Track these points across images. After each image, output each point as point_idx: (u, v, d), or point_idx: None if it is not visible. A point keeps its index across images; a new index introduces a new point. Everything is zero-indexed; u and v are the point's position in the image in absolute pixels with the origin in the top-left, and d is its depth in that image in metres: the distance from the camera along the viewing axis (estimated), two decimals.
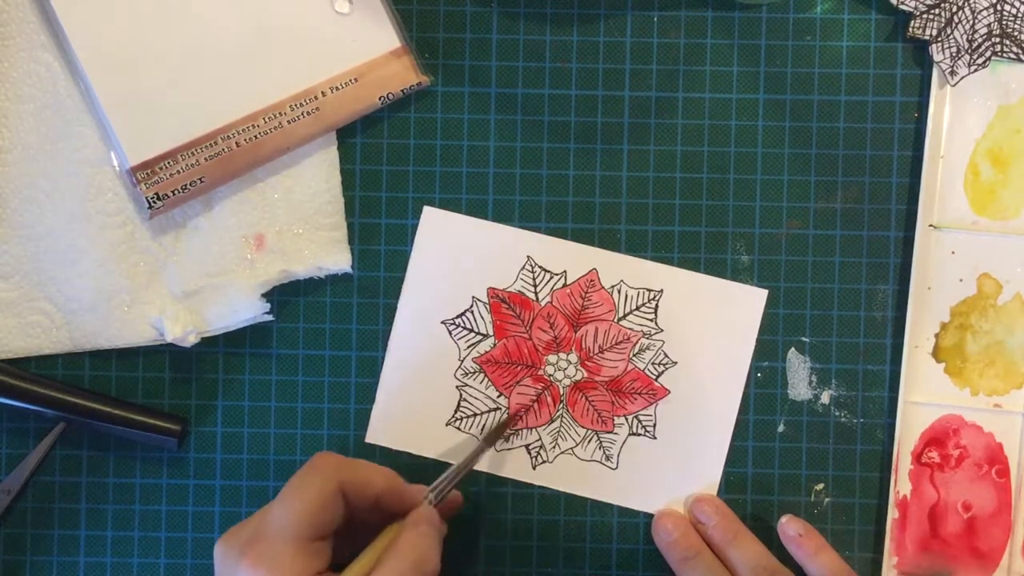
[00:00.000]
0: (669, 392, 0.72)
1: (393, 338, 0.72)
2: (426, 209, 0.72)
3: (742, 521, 0.71)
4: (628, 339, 0.72)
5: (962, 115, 0.72)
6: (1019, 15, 0.70)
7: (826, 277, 0.72)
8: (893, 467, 0.72)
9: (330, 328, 0.72)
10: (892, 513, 0.72)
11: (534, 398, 0.72)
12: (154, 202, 0.69)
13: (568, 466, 0.72)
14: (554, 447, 0.72)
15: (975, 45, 0.70)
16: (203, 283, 0.71)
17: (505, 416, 0.72)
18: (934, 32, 0.71)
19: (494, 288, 0.72)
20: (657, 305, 0.72)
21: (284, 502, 0.60)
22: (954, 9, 0.71)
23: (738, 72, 0.72)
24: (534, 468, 0.72)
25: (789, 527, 0.71)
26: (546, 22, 0.73)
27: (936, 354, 0.72)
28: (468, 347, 0.72)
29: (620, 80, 0.73)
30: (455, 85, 0.73)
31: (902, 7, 0.71)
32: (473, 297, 0.72)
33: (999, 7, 0.70)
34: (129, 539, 0.72)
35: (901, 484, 0.72)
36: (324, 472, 0.61)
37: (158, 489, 0.72)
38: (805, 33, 0.72)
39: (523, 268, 0.72)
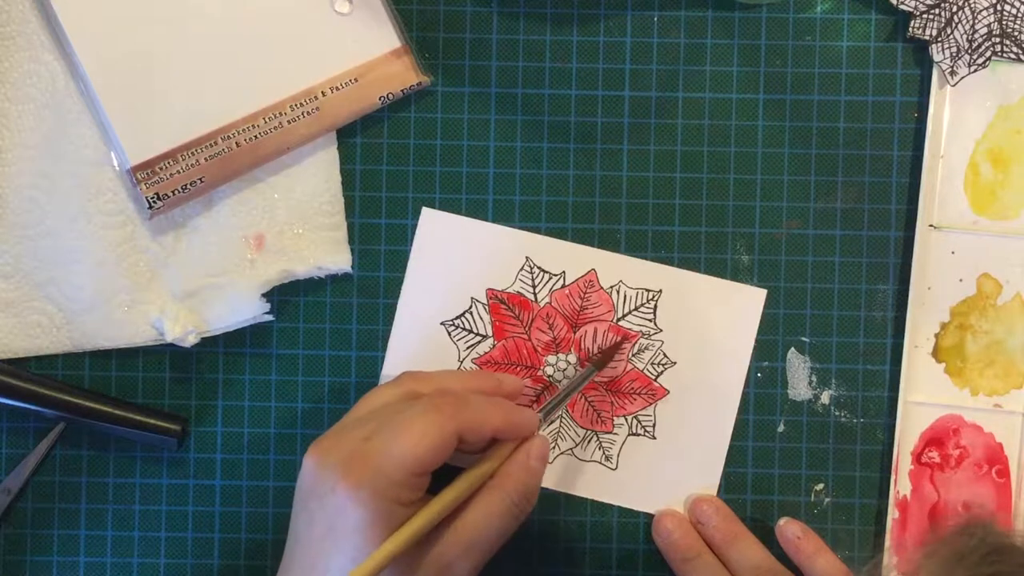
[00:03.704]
0: (668, 392, 0.72)
1: (393, 339, 0.72)
2: (424, 211, 0.72)
3: (742, 521, 0.71)
4: (627, 339, 0.72)
5: (962, 115, 0.72)
6: (1019, 15, 0.70)
7: (826, 277, 0.72)
8: (893, 467, 0.72)
9: (330, 328, 0.72)
10: (892, 513, 0.72)
11: (533, 399, 0.72)
12: (154, 202, 0.69)
13: (568, 466, 0.72)
14: (554, 447, 0.72)
15: (975, 45, 0.70)
16: (203, 283, 0.71)
17: (617, 339, 0.72)
18: (934, 32, 0.71)
19: (493, 289, 0.72)
20: (656, 305, 0.72)
21: (400, 435, 0.60)
22: (954, 9, 0.70)
23: (738, 72, 0.72)
24: None
25: (787, 529, 0.71)
26: (546, 22, 0.73)
27: (936, 354, 0.72)
28: (467, 348, 0.72)
29: (620, 80, 0.72)
30: (455, 85, 0.73)
31: (902, 7, 0.71)
32: (472, 298, 0.72)
33: (999, 7, 0.70)
34: (129, 539, 0.72)
35: (901, 484, 0.72)
36: (444, 414, 0.61)
37: (158, 489, 0.72)
38: (805, 33, 0.72)
39: (522, 269, 0.72)
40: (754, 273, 0.72)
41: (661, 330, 0.72)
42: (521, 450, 0.65)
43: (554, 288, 0.72)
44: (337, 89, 0.71)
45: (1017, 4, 0.70)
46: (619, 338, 0.72)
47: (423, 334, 0.72)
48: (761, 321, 0.72)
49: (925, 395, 0.72)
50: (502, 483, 0.63)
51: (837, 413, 0.72)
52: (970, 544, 0.49)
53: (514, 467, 0.64)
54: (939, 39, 0.71)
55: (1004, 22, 0.70)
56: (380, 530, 0.59)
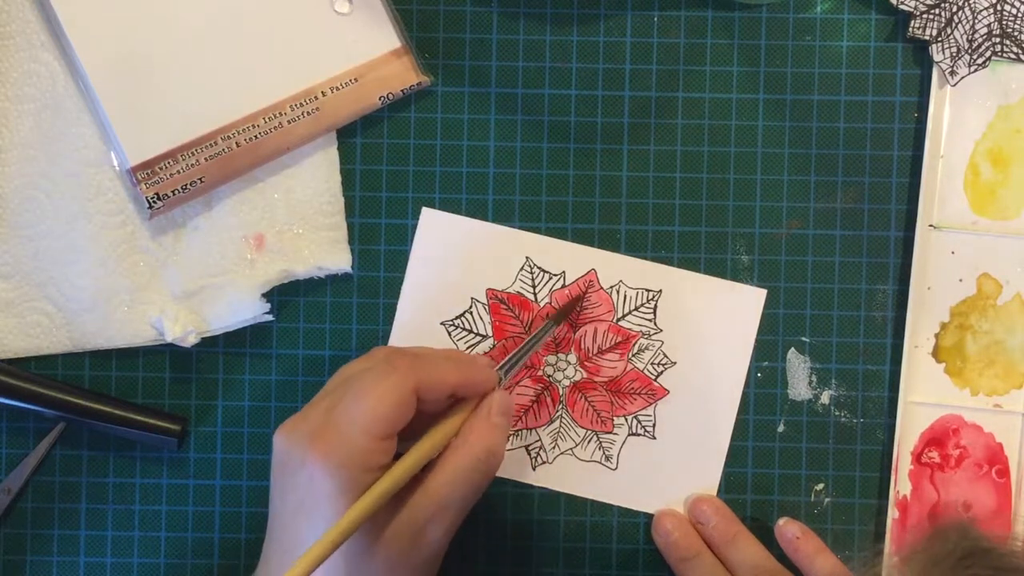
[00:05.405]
0: (668, 392, 0.72)
1: (393, 339, 0.72)
2: (424, 211, 0.72)
3: (742, 521, 0.71)
4: (627, 339, 0.72)
5: (962, 115, 0.72)
6: (1019, 15, 0.70)
7: (826, 277, 0.72)
8: (893, 467, 0.72)
9: (330, 328, 0.72)
10: (892, 513, 0.72)
11: (533, 399, 0.72)
12: (154, 202, 0.69)
13: (568, 466, 0.72)
14: (554, 448, 0.72)
15: (975, 45, 0.70)
16: (203, 283, 0.71)
17: (575, 297, 0.72)
18: (934, 32, 0.71)
19: (493, 289, 0.72)
20: (656, 305, 0.72)
21: (359, 400, 0.60)
22: (954, 9, 0.70)
23: (738, 72, 0.72)
24: (534, 469, 0.72)
25: (787, 529, 0.71)
26: (546, 22, 0.73)
27: (936, 354, 0.72)
28: (467, 348, 0.72)
29: (620, 80, 0.73)
30: (455, 85, 0.73)
31: (902, 7, 0.71)
32: (472, 298, 0.72)
33: (999, 7, 0.70)
34: (129, 539, 0.72)
35: (901, 484, 0.72)
36: (400, 372, 0.61)
37: (158, 489, 0.72)
38: (805, 33, 0.72)
39: (522, 269, 0.72)
40: (754, 273, 0.72)
41: (661, 330, 0.72)
42: (483, 406, 0.64)
43: (554, 288, 0.72)
44: (337, 89, 0.71)
45: (1017, 4, 0.70)
46: (579, 293, 0.71)
47: (423, 334, 0.72)
48: (761, 321, 0.72)
49: (925, 395, 0.72)
50: (466, 440, 0.63)
51: (837, 413, 0.72)
52: (946, 548, 0.49)
53: (476, 423, 0.63)
54: (939, 39, 0.71)
55: (1004, 22, 0.70)
56: (350, 498, 0.59)
